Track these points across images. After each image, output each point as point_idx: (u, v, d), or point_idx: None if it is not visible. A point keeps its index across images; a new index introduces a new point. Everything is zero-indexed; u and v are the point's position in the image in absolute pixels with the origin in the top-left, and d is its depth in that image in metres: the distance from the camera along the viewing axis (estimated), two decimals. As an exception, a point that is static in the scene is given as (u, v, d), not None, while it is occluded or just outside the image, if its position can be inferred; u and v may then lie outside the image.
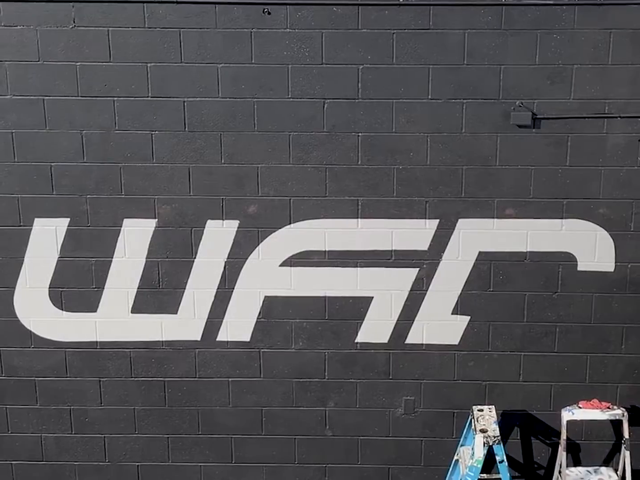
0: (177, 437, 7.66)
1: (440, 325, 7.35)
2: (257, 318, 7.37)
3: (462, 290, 7.27)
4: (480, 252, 7.19)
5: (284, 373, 7.49)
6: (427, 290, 7.27)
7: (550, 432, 7.54)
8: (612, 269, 7.20)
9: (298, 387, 7.52)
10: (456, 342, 7.39)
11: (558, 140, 6.94)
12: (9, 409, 7.61)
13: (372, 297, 7.31)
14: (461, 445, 7.35)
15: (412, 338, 7.39)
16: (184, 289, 7.31)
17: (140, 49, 6.82)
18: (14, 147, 7.03)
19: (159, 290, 7.32)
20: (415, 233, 7.16)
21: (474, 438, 6.91)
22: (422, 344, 7.40)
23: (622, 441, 7.13)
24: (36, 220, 7.18)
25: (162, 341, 7.45)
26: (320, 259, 7.23)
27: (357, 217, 7.13)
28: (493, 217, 7.11)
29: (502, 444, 6.87)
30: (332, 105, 6.92)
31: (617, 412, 7.07)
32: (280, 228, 7.18)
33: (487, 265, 7.22)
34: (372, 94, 6.88)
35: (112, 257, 7.24)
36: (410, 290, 7.28)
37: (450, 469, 7.48)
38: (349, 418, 7.59)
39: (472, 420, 7.09)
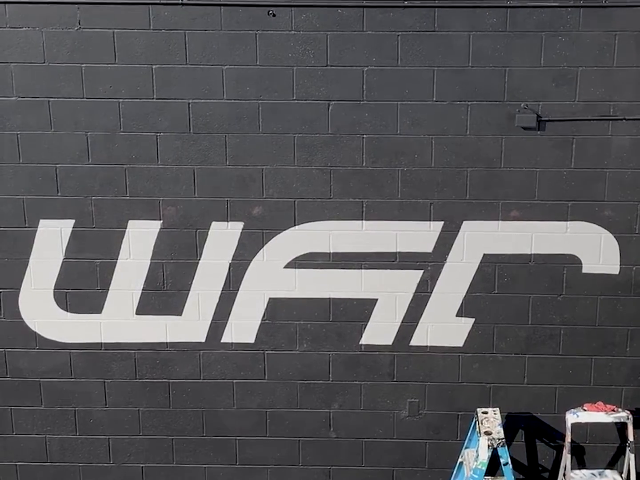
0: (181, 439, 7.67)
1: (444, 327, 7.35)
2: (262, 319, 7.37)
3: (466, 293, 7.26)
4: (484, 254, 7.19)
5: (288, 375, 7.49)
6: (431, 292, 7.27)
7: (554, 435, 7.53)
8: (617, 272, 7.19)
9: (302, 389, 7.52)
10: (461, 344, 7.38)
11: (563, 142, 6.93)
12: (14, 410, 7.61)
13: (377, 299, 7.30)
14: (465, 448, 7.34)
15: (417, 340, 7.38)
16: (189, 290, 7.32)
17: (145, 50, 6.84)
18: (19, 149, 7.05)
19: (164, 292, 7.33)
20: (419, 235, 7.16)
21: (478, 440, 6.91)
22: (426, 346, 7.40)
23: (627, 444, 7.13)
24: (41, 221, 7.19)
25: (167, 343, 7.45)
26: (325, 260, 7.23)
27: (362, 219, 7.13)
28: (498, 219, 7.10)
29: (506, 447, 6.86)
30: (336, 107, 6.92)
31: (622, 415, 7.06)
32: (284, 230, 7.18)
33: (492, 268, 7.21)
34: (376, 95, 6.88)
35: (117, 259, 7.25)
36: (415, 292, 7.27)
37: (455, 472, 7.47)
38: (353, 420, 7.58)
39: (477, 422, 7.08)
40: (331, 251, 7.21)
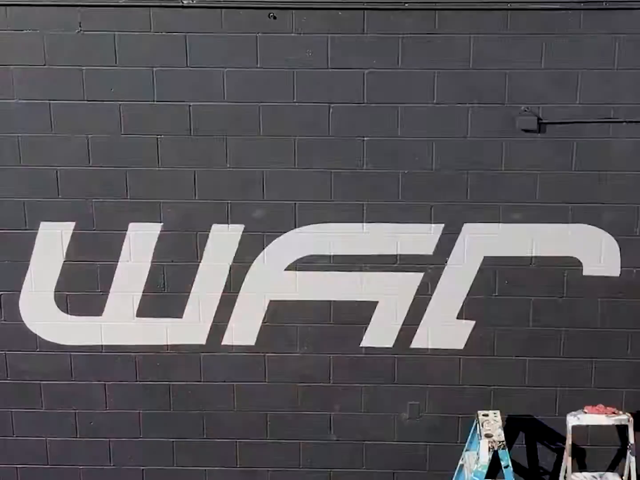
0: (182, 442, 7.66)
1: (445, 329, 7.33)
2: (262, 322, 7.36)
3: (467, 295, 7.26)
4: (485, 257, 7.18)
5: (289, 377, 7.48)
6: (432, 295, 7.26)
7: (555, 437, 7.52)
8: (617, 274, 7.18)
9: (303, 391, 7.51)
10: (461, 347, 7.37)
11: (564, 145, 6.93)
12: (14, 413, 7.60)
13: (377, 302, 7.29)
14: (466, 450, 7.34)
15: (417, 343, 7.37)
16: (189, 292, 7.31)
17: (146, 53, 6.84)
18: (20, 151, 7.04)
19: (164, 294, 7.32)
20: (420, 237, 7.15)
21: (479, 443, 6.90)
22: (427, 349, 7.39)
23: (628, 447, 7.12)
24: (42, 224, 7.19)
25: (167, 345, 7.44)
26: (325, 263, 7.22)
27: (362, 222, 7.12)
28: (498, 222, 7.10)
29: (507, 449, 6.85)
30: (337, 110, 6.92)
31: (623, 418, 7.05)
32: (285, 232, 7.18)
33: (492, 270, 7.20)
34: (377, 98, 6.88)
35: (117, 261, 7.25)
36: (415, 294, 7.26)
37: (455, 474, 7.46)
38: (354, 422, 7.57)
39: (477, 425, 7.07)
40: (331, 254, 7.21)
